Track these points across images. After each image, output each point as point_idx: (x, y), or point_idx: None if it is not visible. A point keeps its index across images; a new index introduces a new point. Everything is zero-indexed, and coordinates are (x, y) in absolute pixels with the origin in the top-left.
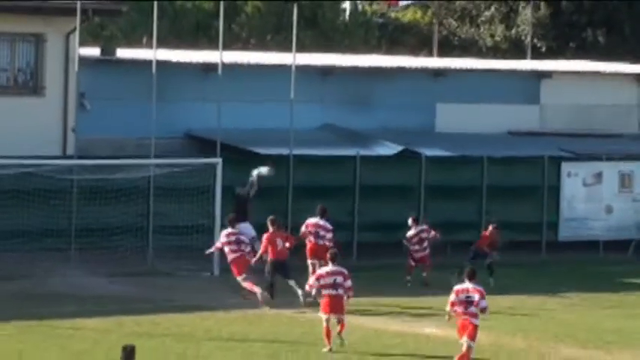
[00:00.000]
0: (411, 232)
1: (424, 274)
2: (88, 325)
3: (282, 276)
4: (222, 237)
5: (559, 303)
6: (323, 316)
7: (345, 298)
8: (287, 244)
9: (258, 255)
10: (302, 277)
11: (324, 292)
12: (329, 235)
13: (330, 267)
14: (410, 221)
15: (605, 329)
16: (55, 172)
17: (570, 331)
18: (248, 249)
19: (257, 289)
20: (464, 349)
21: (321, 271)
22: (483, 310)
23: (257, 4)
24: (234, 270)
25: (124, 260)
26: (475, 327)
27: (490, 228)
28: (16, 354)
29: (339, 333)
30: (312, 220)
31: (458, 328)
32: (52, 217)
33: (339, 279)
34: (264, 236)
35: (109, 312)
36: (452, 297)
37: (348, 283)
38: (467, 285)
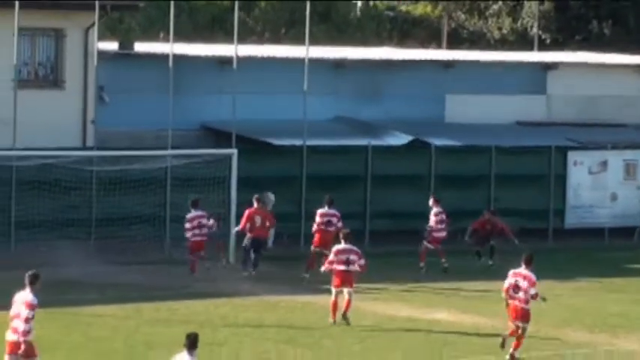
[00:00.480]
0: (435, 210)
1: (443, 261)
2: (108, 312)
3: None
4: (186, 224)
5: (566, 288)
6: (334, 289)
7: (354, 274)
8: (267, 223)
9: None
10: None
11: (337, 267)
12: (340, 224)
13: (343, 245)
14: (431, 201)
15: (611, 313)
16: (75, 163)
17: (577, 315)
18: (205, 231)
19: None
20: (518, 331)
21: (338, 247)
22: (533, 296)
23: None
24: (191, 248)
25: (142, 249)
26: (525, 311)
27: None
28: (39, 340)
29: (345, 312)
30: (322, 210)
31: (509, 310)
32: (72, 207)
33: (352, 257)
34: (246, 212)
35: (128, 299)
36: (505, 283)
37: (362, 261)
38: (520, 270)
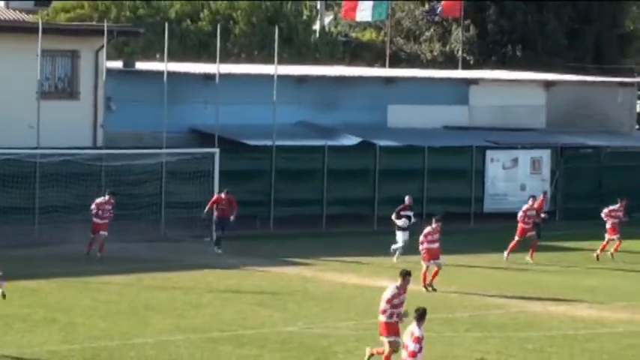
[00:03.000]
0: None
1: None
2: (114, 280)
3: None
4: (94, 205)
5: (484, 261)
6: (424, 263)
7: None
8: (233, 205)
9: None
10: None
11: (427, 245)
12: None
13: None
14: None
15: (522, 282)
16: (87, 159)
17: (494, 283)
18: (107, 215)
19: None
20: None
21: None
22: None
23: (243, 28)
24: (97, 228)
25: (142, 229)
26: None
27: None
28: (57, 304)
29: (431, 282)
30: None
31: None
32: (84, 195)
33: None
34: (213, 197)
35: (131, 270)
36: None
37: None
38: None
